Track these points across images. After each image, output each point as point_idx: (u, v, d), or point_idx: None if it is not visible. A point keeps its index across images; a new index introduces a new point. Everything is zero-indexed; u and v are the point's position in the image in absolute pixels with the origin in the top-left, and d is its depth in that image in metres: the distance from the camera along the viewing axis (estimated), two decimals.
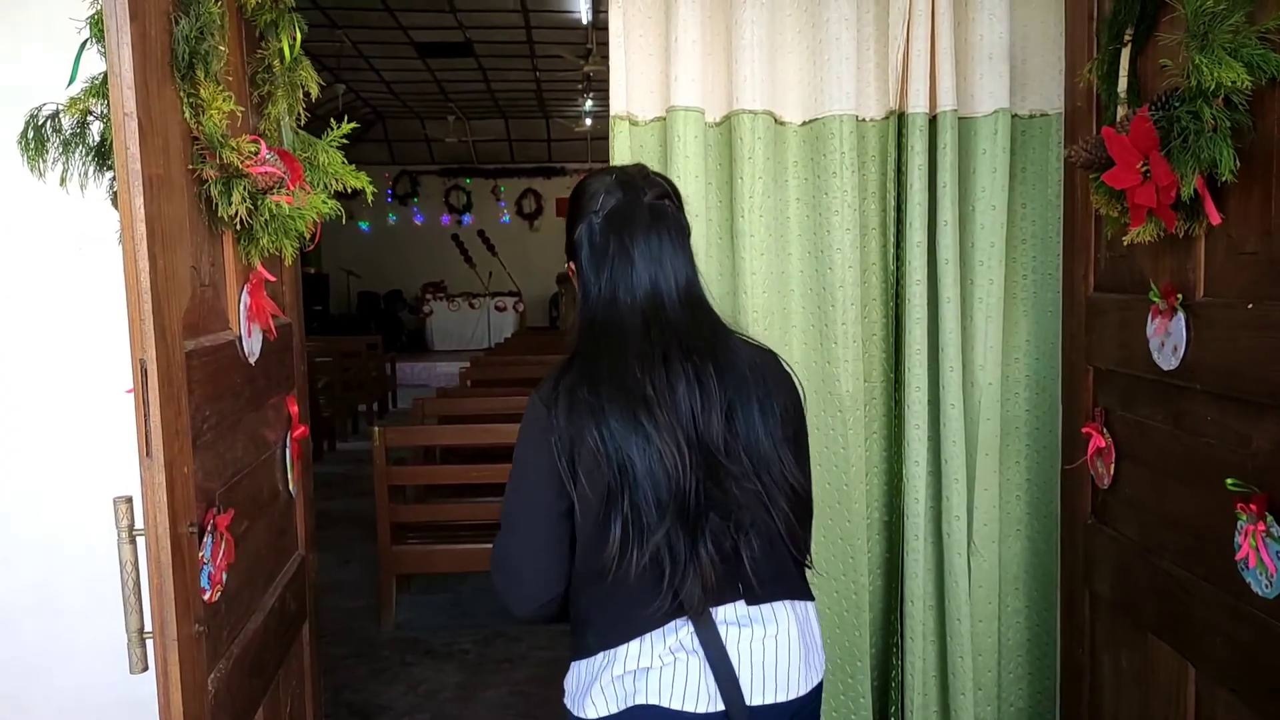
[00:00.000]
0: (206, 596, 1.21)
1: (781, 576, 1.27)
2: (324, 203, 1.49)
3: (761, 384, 1.26)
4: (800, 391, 1.36)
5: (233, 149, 1.26)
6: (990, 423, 2.10)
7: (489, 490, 4.10)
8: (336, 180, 1.58)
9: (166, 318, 1.10)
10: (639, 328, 1.24)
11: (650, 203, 1.30)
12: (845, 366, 2.05)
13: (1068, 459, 1.98)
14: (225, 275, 1.37)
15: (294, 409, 1.69)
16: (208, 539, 1.21)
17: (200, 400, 1.20)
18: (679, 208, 1.35)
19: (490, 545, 1.30)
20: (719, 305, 1.38)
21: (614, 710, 1.22)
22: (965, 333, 2.08)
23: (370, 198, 1.62)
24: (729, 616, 1.23)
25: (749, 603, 1.24)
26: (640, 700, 1.20)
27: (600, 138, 15.11)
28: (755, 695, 1.22)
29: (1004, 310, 2.10)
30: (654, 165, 2.07)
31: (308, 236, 1.49)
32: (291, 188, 1.46)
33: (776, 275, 2.08)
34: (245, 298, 1.40)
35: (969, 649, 2.08)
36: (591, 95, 11.54)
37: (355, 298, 15.80)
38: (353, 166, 1.61)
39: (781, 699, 1.24)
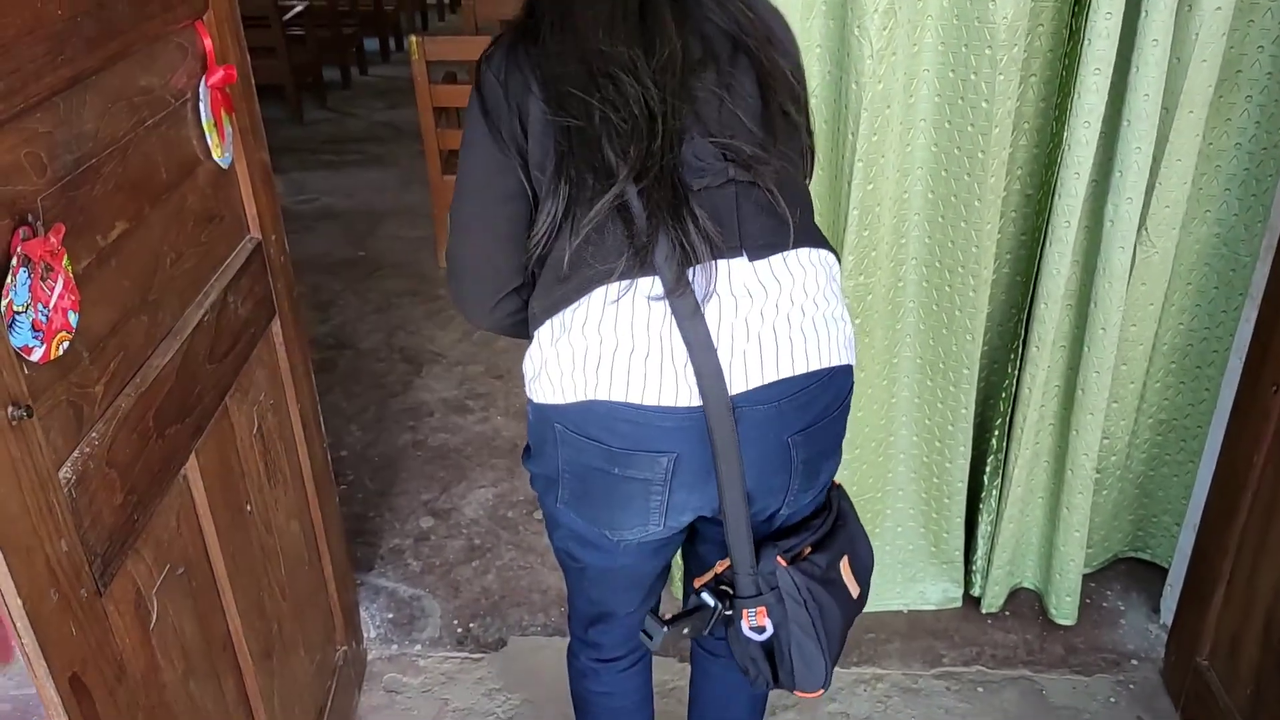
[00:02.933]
0: (36, 356, 0.84)
1: (797, 217, 1.00)
2: None
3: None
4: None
5: None
6: (1206, 66, 1.47)
7: None
8: None
9: None
10: None
11: None
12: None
13: None
14: None
15: (206, 42, 1.20)
16: (15, 277, 0.80)
17: None
18: None
19: None
20: None
21: (568, 400, 1.00)
22: None
23: None
24: (721, 290, 0.96)
25: (753, 257, 0.97)
26: (590, 395, 0.98)
27: None
28: (750, 376, 0.97)
29: None
30: None
31: None
32: None
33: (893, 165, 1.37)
34: None
35: (1110, 360, 1.64)
36: None
37: None
38: None
39: (785, 374, 0.98)
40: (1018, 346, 1.75)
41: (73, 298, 0.89)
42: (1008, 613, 1.95)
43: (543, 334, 1.02)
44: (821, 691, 1.08)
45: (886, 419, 1.82)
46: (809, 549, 1.08)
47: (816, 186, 1.66)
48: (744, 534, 1.03)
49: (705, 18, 0.98)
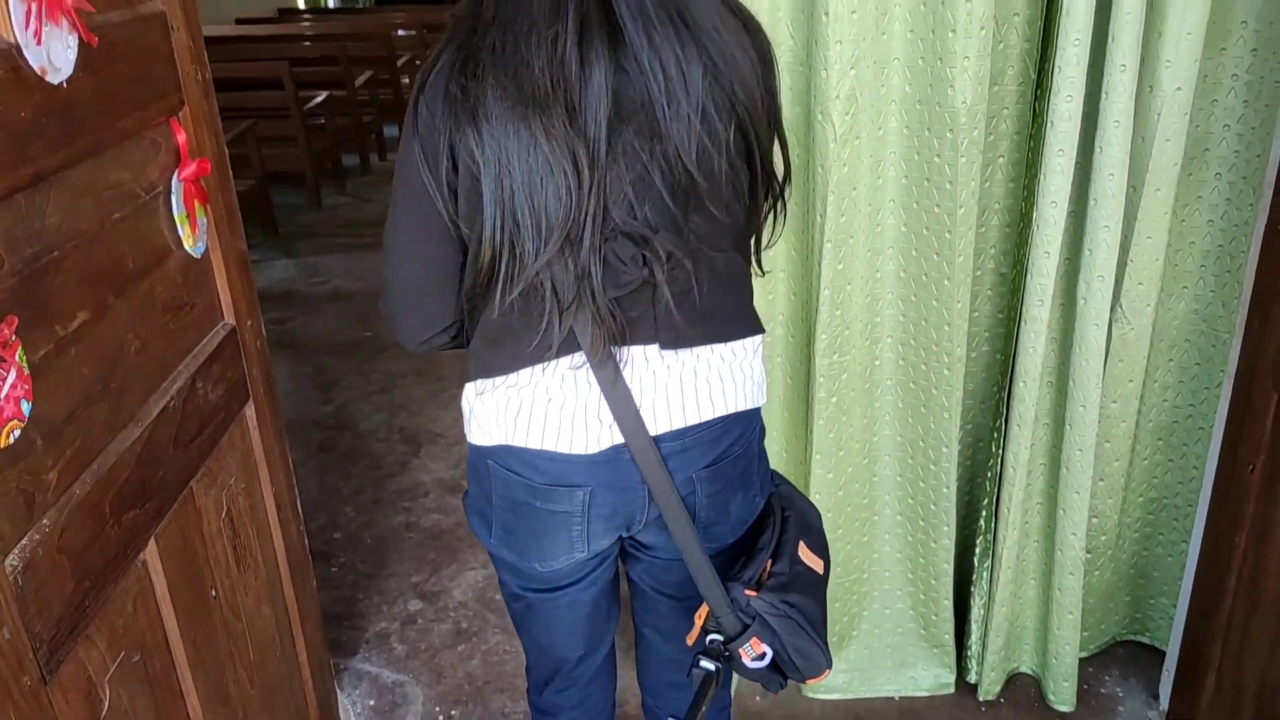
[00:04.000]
0: None
1: (716, 315, 1.03)
2: None
3: (726, 60, 0.91)
4: (774, 61, 1.00)
5: None
6: (1171, 145, 1.49)
7: None
8: None
9: None
10: None
11: None
12: (964, 66, 1.44)
13: None
14: None
15: (181, 137, 1.24)
16: None
17: None
18: None
19: None
20: None
21: (490, 443, 1.07)
22: (1152, 11, 1.41)
23: None
24: (636, 357, 1.02)
25: (664, 347, 1.02)
26: (510, 440, 1.05)
27: None
28: (660, 423, 1.03)
29: None
30: None
31: None
32: None
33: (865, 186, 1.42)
34: None
35: (1092, 439, 1.63)
36: None
37: None
38: None
39: (692, 421, 1.04)
40: (1000, 425, 1.74)
41: (25, 387, 0.91)
42: (1003, 699, 1.90)
43: (471, 387, 1.09)
44: (828, 671, 1.10)
45: (869, 498, 1.81)
46: (769, 564, 1.10)
47: (789, 266, 1.68)
48: (708, 575, 1.06)
49: (650, 48, 0.89)
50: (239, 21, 8.21)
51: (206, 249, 1.33)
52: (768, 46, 0.99)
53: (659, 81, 0.89)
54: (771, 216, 1.09)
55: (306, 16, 9.42)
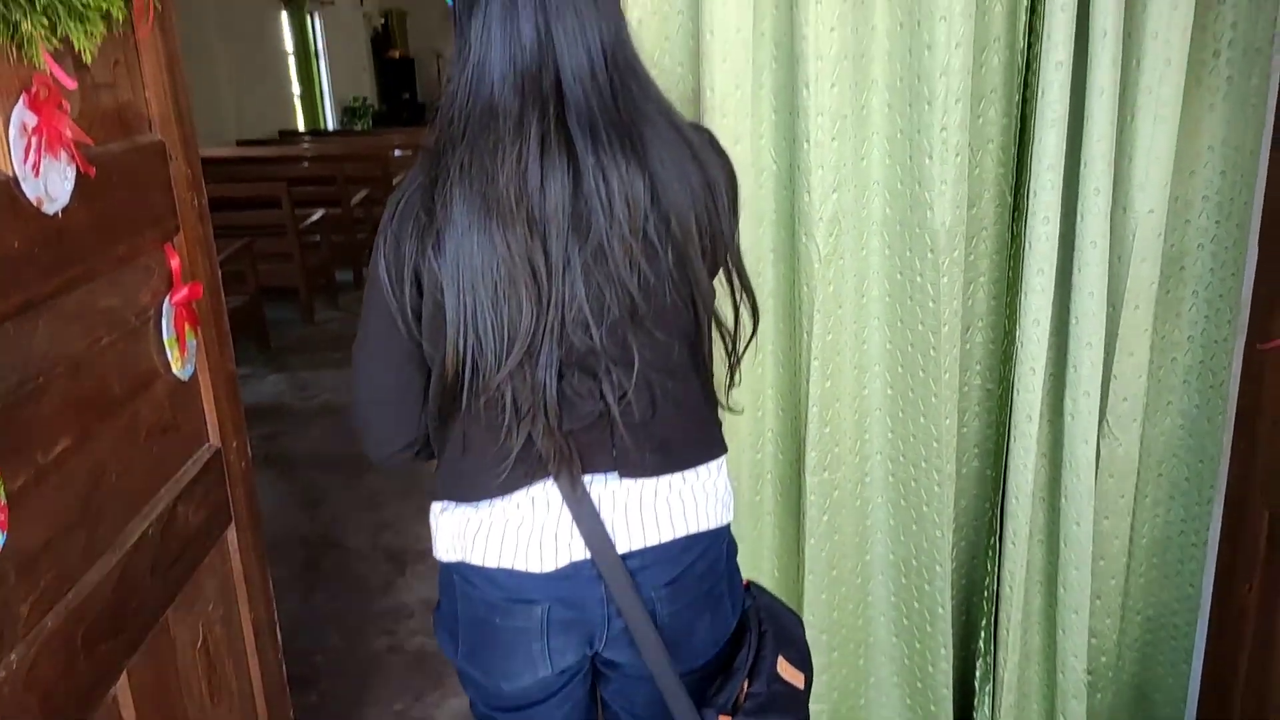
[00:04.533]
0: None
1: (672, 444, 1.05)
2: None
3: (689, 185, 0.95)
4: (735, 177, 1.05)
5: None
6: (1147, 265, 1.52)
7: None
8: None
9: None
10: (513, 107, 0.91)
11: None
12: (941, 191, 1.48)
13: (1259, 333, 1.41)
14: None
15: (174, 262, 1.26)
16: None
17: None
18: None
19: None
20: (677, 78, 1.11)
21: (452, 560, 1.09)
22: (1122, 137, 1.46)
23: None
24: (596, 481, 1.04)
25: (623, 476, 1.04)
26: (468, 558, 1.06)
27: None
28: (619, 543, 1.04)
29: (1183, 103, 1.46)
30: None
31: (118, 13, 1.00)
32: None
33: (852, 59, 1.48)
34: (20, 116, 0.94)
35: (1088, 555, 1.60)
36: None
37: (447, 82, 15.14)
38: None
39: (652, 542, 1.05)
40: (994, 542, 1.72)
41: (1, 517, 0.90)
42: None
43: (436, 504, 1.10)
44: None
45: (863, 618, 1.77)
46: (745, 684, 1.09)
47: (778, 383, 1.68)
48: (681, 698, 1.06)
49: (596, 165, 0.92)
50: (240, 143, 8.45)
51: (195, 371, 1.33)
52: (720, 175, 1.00)
53: (602, 199, 0.92)
54: (728, 354, 1.11)
55: (306, 138, 9.69)
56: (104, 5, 0.95)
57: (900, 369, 1.62)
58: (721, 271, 1.06)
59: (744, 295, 1.08)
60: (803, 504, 1.66)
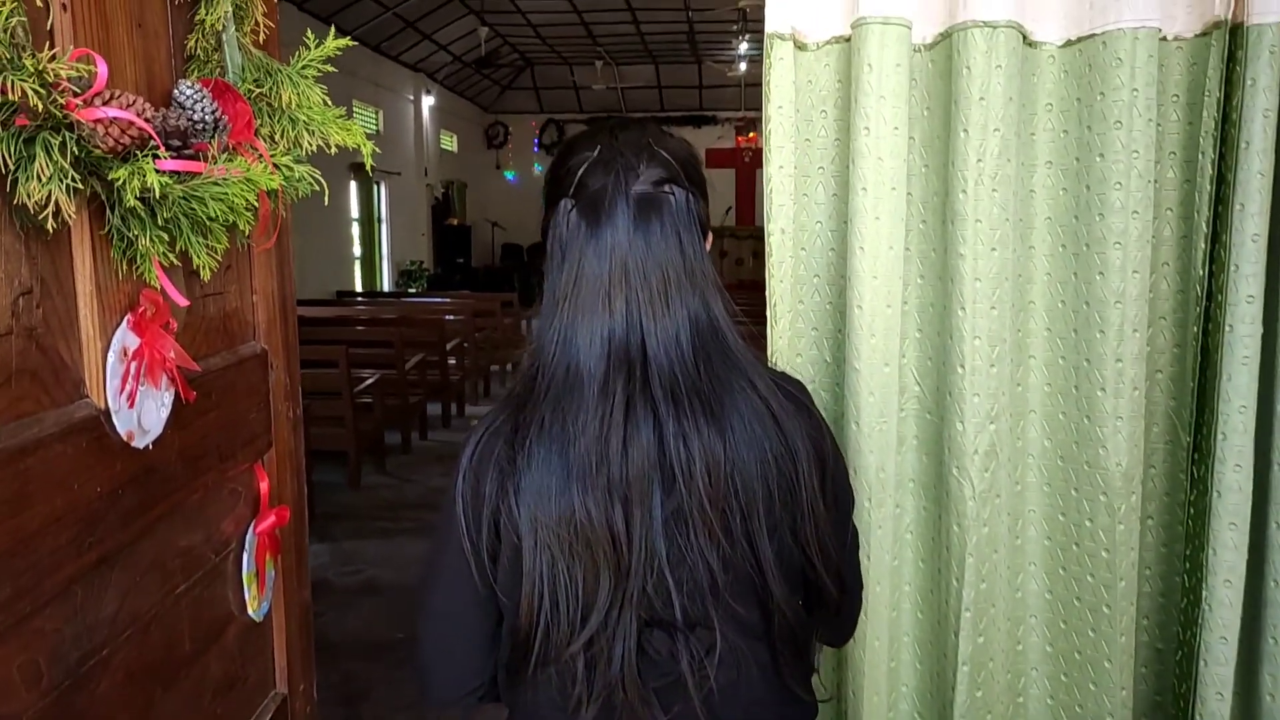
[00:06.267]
0: None
1: (755, 713, 1.00)
2: (271, 174, 0.88)
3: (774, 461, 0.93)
4: (830, 439, 1.03)
5: (30, 72, 0.66)
6: None
7: None
8: (314, 133, 0.97)
9: None
10: (599, 371, 0.91)
11: (641, 192, 0.94)
12: (1117, 427, 1.31)
13: None
14: (72, 303, 0.78)
15: (263, 485, 1.11)
16: None
17: None
18: (696, 194, 0.97)
19: None
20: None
21: None
22: None
23: (368, 153, 1.01)
24: None
25: None
26: None
27: (756, 83, 14.20)
28: None
29: None
30: (828, 108, 1.38)
31: (245, 225, 0.89)
32: (235, 142, 0.87)
33: (1011, 280, 1.35)
34: (122, 340, 0.81)
35: None
36: (748, 36, 10.68)
37: (499, 250, 15.60)
38: (340, 110, 1.00)
39: None
40: None
41: None
42: None
43: None
44: None
45: None
46: None
47: (916, 631, 1.47)
48: None
49: (677, 429, 0.91)
50: (300, 303, 8.59)
51: (270, 608, 1.16)
52: (802, 444, 0.95)
53: (682, 465, 0.90)
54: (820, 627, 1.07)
55: (362, 299, 9.87)
56: (230, 218, 0.84)
57: (1063, 624, 1.41)
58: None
59: (824, 574, 0.99)
60: None
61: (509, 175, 15.92)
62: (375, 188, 11.62)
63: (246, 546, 1.08)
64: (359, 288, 11.17)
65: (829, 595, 1.00)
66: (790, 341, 1.46)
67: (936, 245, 1.39)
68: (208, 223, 0.83)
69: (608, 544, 0.88)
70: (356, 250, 11.36)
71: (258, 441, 1.11)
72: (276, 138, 0.97)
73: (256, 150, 0.93)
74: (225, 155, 0.90)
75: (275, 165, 0.93)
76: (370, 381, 5.87)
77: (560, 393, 0.92)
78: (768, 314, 1.52)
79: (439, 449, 6.61)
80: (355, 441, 5.52)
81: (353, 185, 11.03)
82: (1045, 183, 1.39)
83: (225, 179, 0.83)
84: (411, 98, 12.70)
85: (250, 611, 1.09)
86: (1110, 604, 1.34)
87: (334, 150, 0.99)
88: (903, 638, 1.48)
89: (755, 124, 15.04)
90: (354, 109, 10.86)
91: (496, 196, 15.66)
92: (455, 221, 14.35)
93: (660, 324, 0.92)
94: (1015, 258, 1.36)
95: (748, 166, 15.21)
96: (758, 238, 13.87)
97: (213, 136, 0.90)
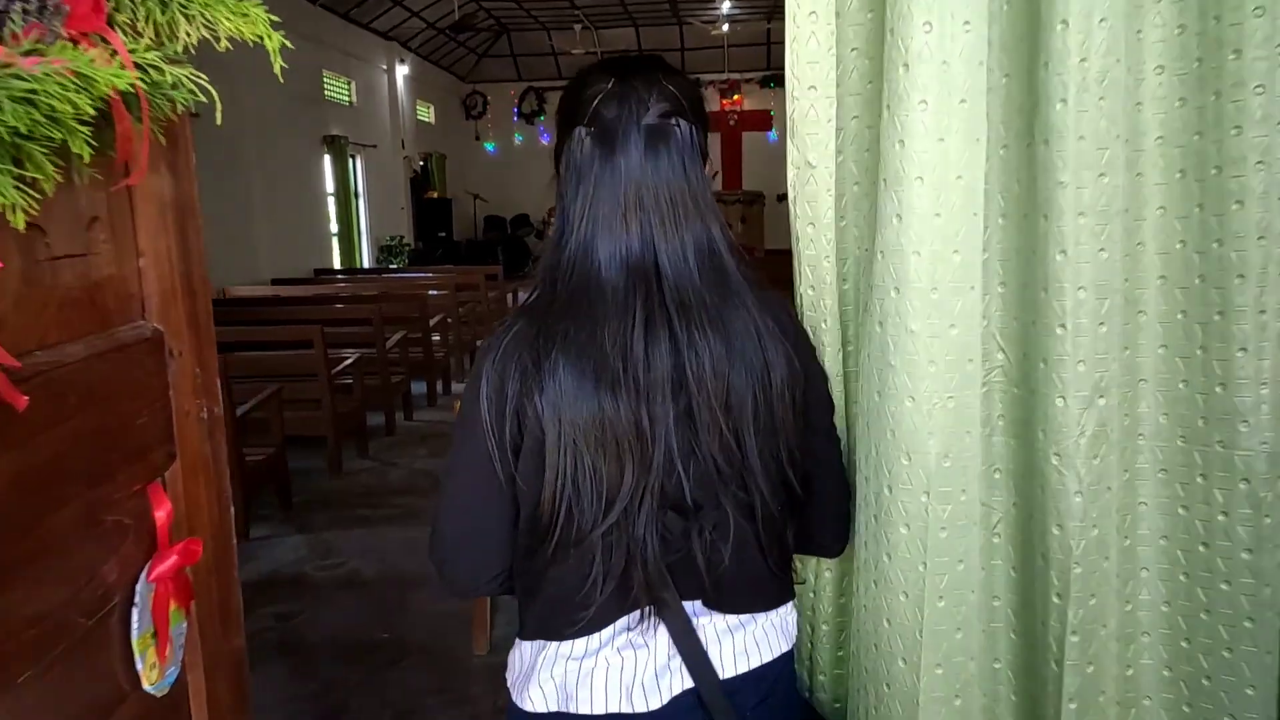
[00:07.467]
0: None
1: (751, 587, 1.11)
2: (122, 71, 0.59)
3: (761, 356, 1.04)
4: (808, 355, 1.14)
5: None
6: None
7: None
8: (194, 19, 0.68)
9: None
10: (619, 285, 1.02)
11: (651, 123, 1.04)
12: (1262, 396, 1.04)
13: None
14: None
15: (159, 514, 0.82)
16: None
17: None
18: (699, 128, 1.08)
19: None
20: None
21: (549, 709, 1.08)
22: None
23: (274, 49, 0.72)
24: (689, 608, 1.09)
25: (706, 605, 1.10)
26: (571, 708, 1.06)
27: (740, 44, 13.78)
28: (728, 667, 1.09)
29: None
30: (875, 8, 1.10)
31: (82, 149, 0.60)
32: (77, 32, 0.59)
33: (1118, 217, 1.06)
34: None
35: None
36: None
37: (481, 222, 15.25)
38: None
39: (754, 665, 1.11)
40: None
41: None
42: None
43: (527, 649, 1.10)
44: None
45: None
46: None
47: (1010, 655, 1.20)
48: None
49: (689, 341, 1.01)
50: (274, 282, 8.25)
51: (181, 671, 0.87)
52: (780, 361, 1.05)
53: (694, 371, 1.01)
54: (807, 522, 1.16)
55: (341, 276, 9.52)
56: (51, 133, 0.54)
57: (1184, 643, 1.14)
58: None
59: (789, 471, 1.09)
60: None
61: (489, 147, 15.53)
62: (350, 161, 11.22)
63: (138, 600, 0.79)
64: (338, 265, 10.81)
65: (794, 491, 1.09)
66: (818, 298, 1.19)
67: (1022, 175, 1.10)
68: (12, 140, 0.54)
69: (633, 440, 0.98)
70: (334, 227, 10.99)
71: (152, 455, 0.82)
72: (140, 26, 0.67)
73: (109, 44, 0.64)
74: (59, 47, 0.61)
75: (136, 64, 0.64)
76: (349, 361, 5.56)
77: (581, 305, 1.01)
78: (794, 268, 1.25)
79: (424, 429, 6.34)
80: (334, 425, 5.23)
81: (327, 158, 10.63)
82: (1155, 93, 1.10)
83: (34, 73, 0.54)
84: (385, 67, 12.28)
85: (147, 685, 0.80)
86: (1254, 617, 1.07)
87: (224, 45, 0.70)
88: (993, 664, 1.20)
89: (739, 86, 14.66)
90: (324, 79, 10.44)
91: (477, 168, 15.28)
92: (435, 194, 13.96)
93: (670, 244, 1.03)
94: (1125, 188, 1.07)
95: (733, 131, 14.85)
96: (745, 202, 13.55)
97: (42, 19, 0.61)
